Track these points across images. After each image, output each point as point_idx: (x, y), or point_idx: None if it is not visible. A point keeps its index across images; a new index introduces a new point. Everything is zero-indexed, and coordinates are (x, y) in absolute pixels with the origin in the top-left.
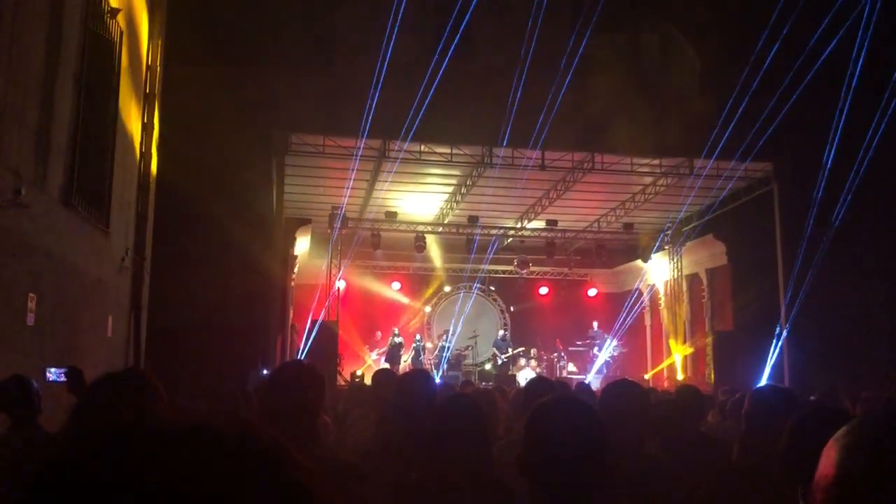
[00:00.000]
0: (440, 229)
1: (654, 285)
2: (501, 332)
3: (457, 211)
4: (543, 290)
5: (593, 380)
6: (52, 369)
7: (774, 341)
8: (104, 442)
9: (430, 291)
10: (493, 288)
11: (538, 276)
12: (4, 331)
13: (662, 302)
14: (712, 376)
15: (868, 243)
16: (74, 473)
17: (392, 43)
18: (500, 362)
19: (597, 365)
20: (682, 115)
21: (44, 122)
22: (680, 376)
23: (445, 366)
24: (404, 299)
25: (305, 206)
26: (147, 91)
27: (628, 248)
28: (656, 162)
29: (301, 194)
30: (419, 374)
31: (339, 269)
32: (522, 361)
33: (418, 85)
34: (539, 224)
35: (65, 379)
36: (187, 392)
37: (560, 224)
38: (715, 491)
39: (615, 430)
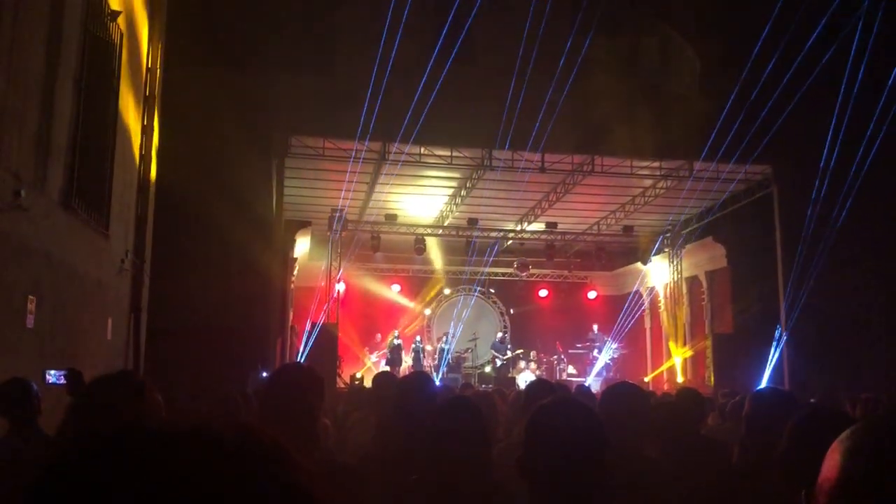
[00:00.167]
0: (440, 232)
1: (653, 288)
2: (500, 335)
3: (456, 213)
4: (543, 293)
5: (593, 382)
6: (52, 371)
7: (774, 344)
8: (105, 443)
9: (430, 294)
10: (492, 290)
11: (538, 279)
12: (4, 333)
13: (662, 304)
14: (712, 379)
15: (868, 245)
16: (76, 474)
17: (392, 45)
18: (498, 364)
19: (596, 367)
20: (682, 118)
21: (44, 125)
22: (680, 379)
23: (445, 368)
24: (404, 302)
25: (305, 209)
26: (147, 93)
27: (628, 250)
28: (656, 164)
29: (301, 196)
30: (419, 377)
31: (339, 271)
32: (522, 364)
33: (418, 87)
34: (539, 226)
35: (64, 381)
36: (187, 394)
37: (560, 226)
38: (715, 493)
39: (615, 432)
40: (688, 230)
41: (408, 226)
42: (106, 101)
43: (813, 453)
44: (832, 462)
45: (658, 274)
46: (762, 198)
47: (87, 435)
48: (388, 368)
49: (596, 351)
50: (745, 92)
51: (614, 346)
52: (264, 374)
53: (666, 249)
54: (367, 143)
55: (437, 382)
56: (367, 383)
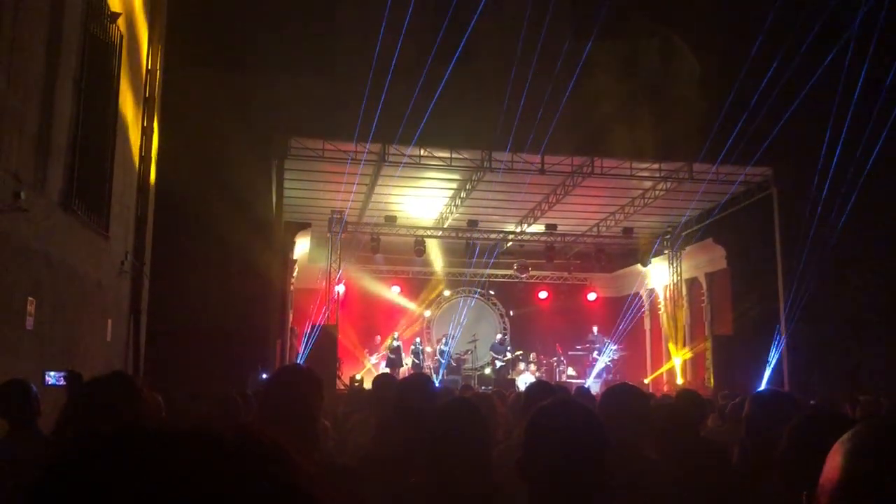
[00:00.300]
0: (440, 233)
1: (653, 289)
2: (499, 336)
3: (456, 215)
4: (543, 295)
5: (593, 384)
6: (52, 373)
7: (774, 345)
8: (105, 443)
9: (429, 296)
10: (492, 292)
11: (538, 281)
12: (4, 334)
13: (662, 306)
14: (712, 380)
15: (867, 247)
16: (76, 474)
17: (392, 47)
18: (497, 366)
19: (596, 369)
20: (682, 119)
21: (44, 126)
22: (679, 380)
23: (445, 370)
24: (404, 303)
25: (305, 210)
26: (147, 95)
27: (628, 252)
28: (656, 166)
29: (301, 198)
30: (419, 378)
31: (339, 272)
32: (522, 366)
33: (418, 89)
34: (539, 228)
35: (64, 383)
36: (187, 395)
37: (560, 228)
38: (714, 494)
39: (615, 434)
40: (688, 232)
41: (408, 227)
42: (106, 102)
43: (813, 455)
44: (834, 463)
45: (658, 275)
46: (762, 199)
47: (87, 435)
48: (387, 370)
49: (596, 352)
50: (744, 93)
51: (614, 347)
52: (264, 376)
53: (666, 251)
54: (367, 145)
55: (437, 384)
56: (367, 385)
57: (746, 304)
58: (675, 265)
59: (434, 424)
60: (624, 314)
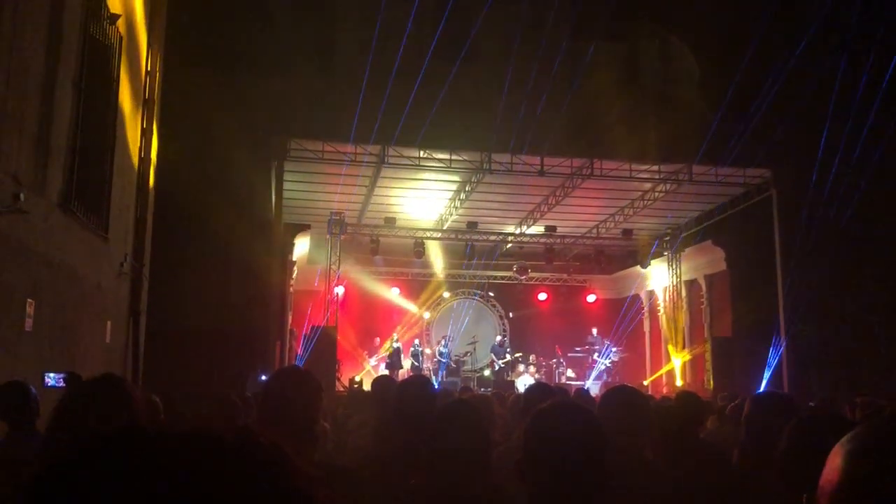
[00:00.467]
0: (439, 235)
1: (653, 291)
2: (499, 338)
3: (456, 216)
4: (542, 296)
5: (592, 386)
6: (51, 375)
7: (773, 347)
8: (104, 444)
9: (429, 297)
10: (492, 294)
11: (537, 282)
12: (3, 336)
13: (661, 308)
14: (711, 382)
15: (867, 249)
16: (76, 474)
17: (392, 49)
18: (497, 368)
19: (596, 371)
20: (681, 122)
21: (43, 128)
22: (679, 382)
23: (444, 372)
24: (403, 305)
25: (304, 212)
26: (146, 96)
27: (627, 253)
28: (655, 168)
29: (300, 199)
30: (418, 380)
31: (338, 274)
32: (521, 367)
33: (418, 91)
34: (538, 230)
35: (63, 384)
36: (186, 397)
37: (559, 230)
38: (714, 496)
39: (615, 436)
40: (687, 233)
41: (407, 229)
42: (105, 103)
43: (812, 456)
44: (834, 465)
45: (657, 277)
46: (761, 201)
47: (87, 435)
48: (387, 372)
49: (595, 354)
50: (744, 95)
51: (613, 349)
52: (263, 377)
53: (665, 253)
54: (366, 147)
55: (436, 386)
56: (367, 387)
57: (746, 305)
58: (674, 267)
59: (433, 426)
60: (623, 316)
